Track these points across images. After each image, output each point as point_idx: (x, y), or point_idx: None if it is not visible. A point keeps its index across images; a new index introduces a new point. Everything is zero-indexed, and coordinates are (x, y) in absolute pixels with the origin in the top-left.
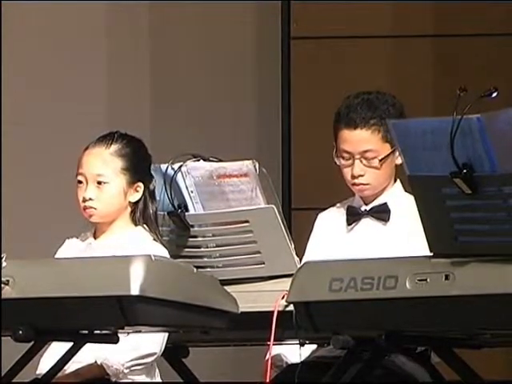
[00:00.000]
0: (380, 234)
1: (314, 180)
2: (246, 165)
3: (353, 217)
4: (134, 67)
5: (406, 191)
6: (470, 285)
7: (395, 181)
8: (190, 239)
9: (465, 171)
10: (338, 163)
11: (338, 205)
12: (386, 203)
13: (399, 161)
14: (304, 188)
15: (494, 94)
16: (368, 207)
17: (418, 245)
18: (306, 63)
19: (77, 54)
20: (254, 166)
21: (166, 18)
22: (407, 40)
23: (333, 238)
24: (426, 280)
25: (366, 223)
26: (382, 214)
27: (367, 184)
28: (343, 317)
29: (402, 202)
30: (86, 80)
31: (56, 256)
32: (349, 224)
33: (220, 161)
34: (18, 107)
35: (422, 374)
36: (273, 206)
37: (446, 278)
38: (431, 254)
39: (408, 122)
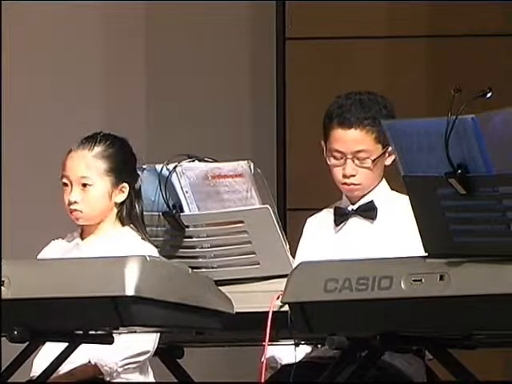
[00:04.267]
0: (368, 233)
1: (309, 180)
2: (241, 165)
3: (340, 217)
4: (131, 67)
5: (392, 189)
6: (465, 285)
7: (381, 180)
8: (185, 240)
9: (459, 171)
10: (329, 163)
11: (326, 208)
12: (372, 201)
13: (388, 161)
14: (299, 188)
15: (489, 95)
16: (355, 206)
17: (406, 243)
18: (301, 64)
19: (74, 55)
20: (249, 167)
21: (161, 18)
22: (402, 40)
23: (321, 239)
24: (420, 280)
25: (354, 222)
26: (368, 212)
27: (358, 184)
28: (338, 317)
29: (388, 200)
30: (83, 81)
31: (39, 256)
32: (337, 225)
33: (215, 161)
34: (17, 107)
35: (416, 374)
36: (268, 206)
37: (441, 278)
38: (426, 255)
39: (403, 122)
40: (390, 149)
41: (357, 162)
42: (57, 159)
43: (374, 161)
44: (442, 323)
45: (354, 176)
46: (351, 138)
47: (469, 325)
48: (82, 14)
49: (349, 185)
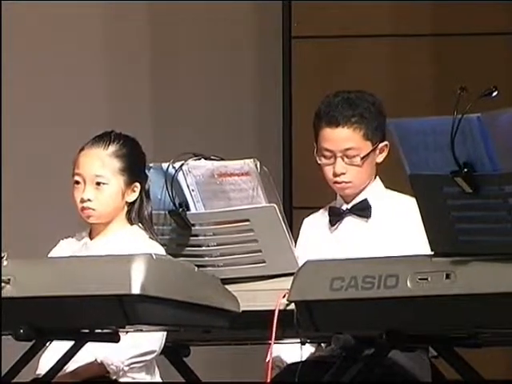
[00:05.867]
0: (363, 231)
1: (315, 179)
2: (248, 163)
3: (335, 217)
4: (135, 67)
5: (386, 188)
6: (470, 284)
7: (375, 178)
8: (191, 238)
9: (465, 170)
10: (319, 162)
11: (322, 209)
12: (366, 199)
13: (380, 159)
14: (305, 187)
15: (495, 94)
16: (349, 206)
17: (401, 240)
18: (307, 63)
19: (77, 54)
20: (256, 165)
21: (166, 18)
22: (407, 39)
23: (318, 239)
24: (426, 279)
25: (349, 221)
26: (363, 210)
27: (349, 182)
28: (344, 316)
29: (382, 199)
30: (87, 80)
31: (49, 256)
32: (332, 224)
33: (221, 159)
34: (18, 107)
35: (421, 373)
36: (274, 204)
37: (447, 276)
38: (432, 253)
39: (409, 121)
40: (380, 146)
41: (346, 159)
42: (61, 159)
43: (363, 158)
44: (448, 322)
45: (344, 174)
46: (339, 137)
47: (474, 323)
48: (84, 14)
49: (340, 183)
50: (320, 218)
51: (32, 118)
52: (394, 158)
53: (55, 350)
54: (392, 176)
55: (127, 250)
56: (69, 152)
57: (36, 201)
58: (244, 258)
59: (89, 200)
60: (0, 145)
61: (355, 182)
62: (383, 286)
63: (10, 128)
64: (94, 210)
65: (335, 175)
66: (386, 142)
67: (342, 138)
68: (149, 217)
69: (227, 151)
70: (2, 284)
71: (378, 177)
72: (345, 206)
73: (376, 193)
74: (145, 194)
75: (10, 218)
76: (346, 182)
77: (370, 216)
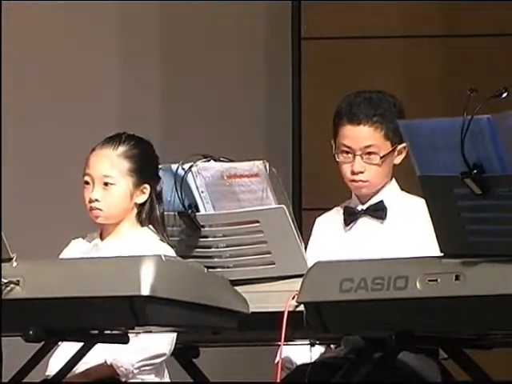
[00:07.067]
0: (377, 233)
1: (324, 180)
2: (257, 165)
3: (350, 217)
4: (145, 67)
5: (402, 190)
6: (480, 285)
7: (391, 180)
8: (201, 239)
9: (475, 171)
10: (337, 160)
11: (336, 208)
12: (382, 201)
13: (397, 161)
14: (314, 188)
15: (505, 95)
16: (364, 206)
17: (416, 243)
18: (316, 64)
19: (86, 54)
20: (265, 166)
21: (176, 18)
22: (417, 40)
23: (331, 239)
24: (436, 280)
25: (364, 222)
26: (378, 212)
27: (366, 181)
28: (354, 317)
29: (398, 200)
30: (96, 80)
31: (60, 256)
32: (346, 224)
33: (230, 161)
34: (23, 107)
35: (431, 374)
36: (283, 206)
37: (457, 278)
38: (442, 255)
39: (418, 122)
40: (399, 147)
41: (365, 158)
42: (67, 159)
43: (382, 157)
44: (458, 323)
45: (362, 173)
46: (360, 134)
47: (484, 325)
48: (94, 13)
49: (357, 181)
50: (333, 217)
51: (34, 119)
52: (410, 160)
53: (65, 351)
54: (408, 178)
55: (137, 252)
56: (76, 152)
57: (37, 201)
58: (253, 260)
59: (96, 200)
60: (0, 145)
61: (372, 181)
62: (393, 288)
63: (12, 128)
64: (101, 210)
65: (353, 173)
66: (404, 144)
67: (362, 135)
68: (160, 219)
69: (236, 152)
70: (12, 285)
71: (394, 178)
72: (360, 207)
73: (392, 194)
74: (156, 196)
75: (10, 219)
76: (363, 181)
77: (386, 218)
